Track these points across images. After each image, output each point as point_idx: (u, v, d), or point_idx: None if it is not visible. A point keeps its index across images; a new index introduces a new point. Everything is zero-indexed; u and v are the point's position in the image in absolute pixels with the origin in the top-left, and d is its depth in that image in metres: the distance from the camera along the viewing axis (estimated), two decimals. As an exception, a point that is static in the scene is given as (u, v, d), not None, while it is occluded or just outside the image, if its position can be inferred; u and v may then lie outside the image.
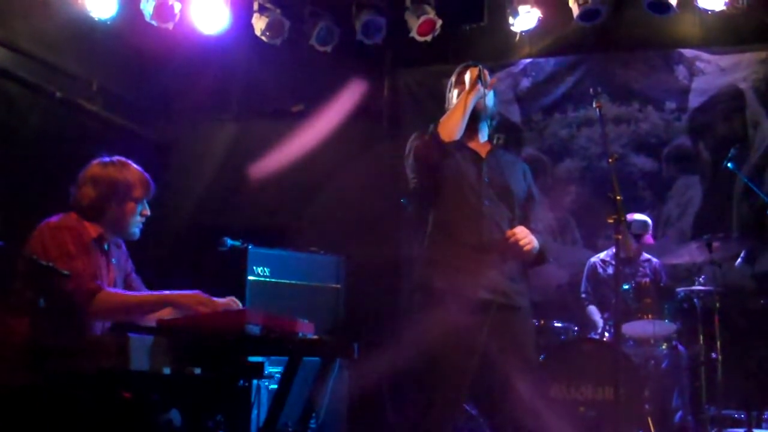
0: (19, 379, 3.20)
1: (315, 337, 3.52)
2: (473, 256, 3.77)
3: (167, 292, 3.56)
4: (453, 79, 4.27)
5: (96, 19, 6.77)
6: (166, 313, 3.51)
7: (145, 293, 3.73)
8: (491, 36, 7.50)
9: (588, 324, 6.86)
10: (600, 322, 6.74)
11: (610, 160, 3.83)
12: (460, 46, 7.55)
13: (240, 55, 7.73)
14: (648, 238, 6.91)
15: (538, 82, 8.03)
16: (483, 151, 4.06)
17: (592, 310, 6.94)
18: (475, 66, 4.13)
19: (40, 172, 6.27)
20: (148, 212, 3.83)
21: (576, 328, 6.74)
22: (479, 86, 3.97)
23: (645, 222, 6.90)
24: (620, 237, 3.57)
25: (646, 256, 7.04)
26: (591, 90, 4.26)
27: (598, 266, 7.07)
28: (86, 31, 6.89)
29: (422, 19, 7.12)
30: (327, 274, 6.42)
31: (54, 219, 3.63)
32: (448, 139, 3.87)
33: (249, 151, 7.73)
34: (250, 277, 6.00)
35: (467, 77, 4.04)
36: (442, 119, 3.95)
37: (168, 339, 3.14)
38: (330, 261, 6.47)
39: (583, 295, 7.09)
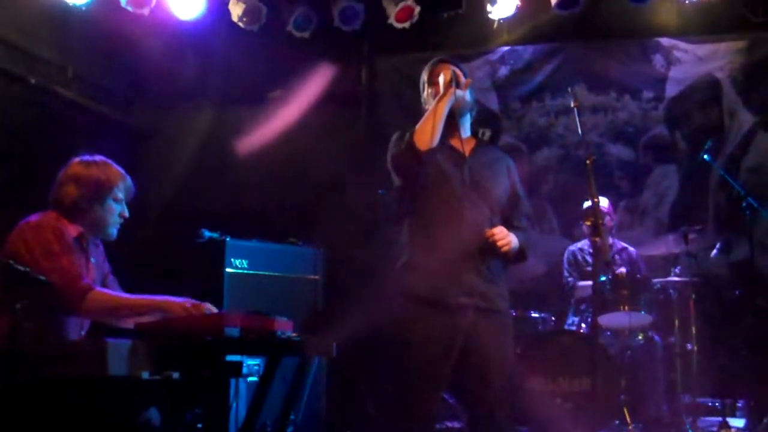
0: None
1: (294, 335, 3.50)
2: (452, 260, 3.75)
3: (159, 297, 3.51)
4: (425, 77, 4.14)
5: (71, 4, 6.69)
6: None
7: (137, 297, 3.63)
8: (469, 23, 7.46)
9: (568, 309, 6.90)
10: None
11: (588, 162, 3.79)
12: (438, 34, 7.53)
13: (217, 41, 7.64)
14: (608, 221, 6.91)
15: (516, 70, 8.04)
16: (467, 149, 3.96)
17: (581, 284, 6.91)
18: (445, 63, 4.06)
19: (15, 160, 6.20)
20: (126, 214, 3.81)
21: (553, 319, 6.78)
22: (452, 89, 3.85)
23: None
24: (598, 240, 3.57)
25: (622, 245, 7.06)
26: (569, 89, 4.24)
27: (577, 254, 7.06)
28: (61, 16, 6.80)
29: (400, 5, 7.07)
30: (305, 266, 6.40)
31: (34, 218, 3.60)
32: (425, 148, 3.75)
33: (226, 139, 7.67)
34: (228, 270, 5.97)
35: (441, 79, 3.91)
36: (417, 127, 3.82)
37: (146, 343, 3.12)
38: (308, 252, 6.45)
39: (568, 278, 7.06)
